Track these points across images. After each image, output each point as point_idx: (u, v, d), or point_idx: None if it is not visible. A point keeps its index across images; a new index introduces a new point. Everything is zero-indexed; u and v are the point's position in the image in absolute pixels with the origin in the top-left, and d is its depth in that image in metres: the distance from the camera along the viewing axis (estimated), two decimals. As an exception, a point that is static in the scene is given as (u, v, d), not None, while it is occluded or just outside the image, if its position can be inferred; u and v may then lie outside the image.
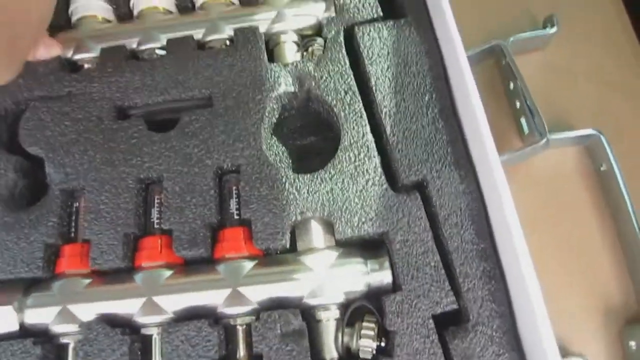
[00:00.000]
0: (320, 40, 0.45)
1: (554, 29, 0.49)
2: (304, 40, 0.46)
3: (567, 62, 0.51)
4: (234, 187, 0.41)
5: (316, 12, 0.46)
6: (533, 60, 0.51)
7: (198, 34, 0.46)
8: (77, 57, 0.46)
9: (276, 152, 0.43)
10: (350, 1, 0.45)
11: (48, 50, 0.44)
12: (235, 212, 0.40)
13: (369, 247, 0.38)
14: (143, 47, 0.46)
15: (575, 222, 0.45)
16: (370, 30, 0.43)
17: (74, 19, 0.48)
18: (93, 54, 0.46)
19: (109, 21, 0.48)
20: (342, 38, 0.44)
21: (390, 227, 0.37)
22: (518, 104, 0.48)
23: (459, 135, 0.40)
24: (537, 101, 0.45)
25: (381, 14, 0.45)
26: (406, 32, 0.43)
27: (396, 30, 0.44)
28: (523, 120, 0.48)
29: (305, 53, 0.46)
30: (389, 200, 0.38)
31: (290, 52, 0.45)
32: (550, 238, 0.44)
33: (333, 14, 0.45)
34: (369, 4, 0.45)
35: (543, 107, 0.45)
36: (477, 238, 0.36)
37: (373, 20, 0.44)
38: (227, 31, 0.46)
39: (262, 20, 0.46)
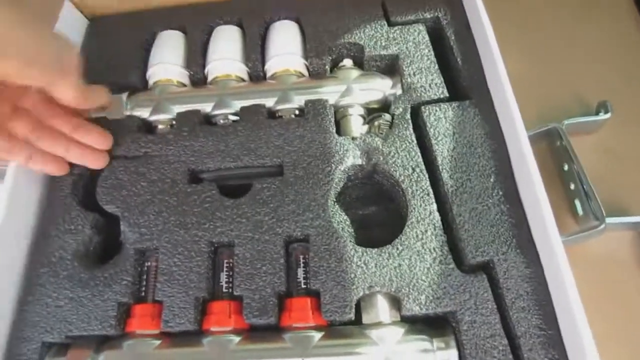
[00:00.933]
0: (386, 115, 0.47)
1: (607, 115, 0.51)
2: (371, 114, 0.48)
3: (621, 146, 0.52)
4: (301, 256, 0.42)
5: (383, 88, 0.48)
6: (586, 143, 0.52)
7: (269, 102, 0.48)
8: (153, 118, 0.48)
9: (339, 221, 0.45)
10: (418, 81, 0.47)
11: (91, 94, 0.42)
12: (303, 282, 0.41)
13: (433, 324, 0.39)
14: (216, 112, 0.48)
15: (631, 308, 0.45)
16: (436, 110, 0.45)
17: (151, 81, 0.50)
18: (168, 115, 0.48)
19: (184, 85, 0.51)
20: (409, 116, 0.46)
21: (458, 307, 0.38)
22: (572, 186, 0.49)
23: (523, 219, 0.41)
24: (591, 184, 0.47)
25: (447, 94, 0.47)
26: (471, 113, 0.45)
27: (461, 111, 0.45)
28: (577, 202, 0.49)
29: (371, 126, 0.47)
30: (456, 279, 0.39)
31: (356, 125, 0.47)
32: (606, 325, 0.44)
33: (400, 91, 0.48)
34: (436, 84, 0.47)
35: (596, 189, 0.47)
36: (544, 324, 0.37)
37: (439, 101, 0.46)
38: (297, 101, 0.48)
39: (330, 93, 0.48)
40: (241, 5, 0.54)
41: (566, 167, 0.50)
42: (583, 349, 0.33)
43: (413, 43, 0.50)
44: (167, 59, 0.50)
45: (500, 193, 0.42)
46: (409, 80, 0.48)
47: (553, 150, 0.53)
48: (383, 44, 0.50)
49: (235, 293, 0.40)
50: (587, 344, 0.33)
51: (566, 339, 0.37)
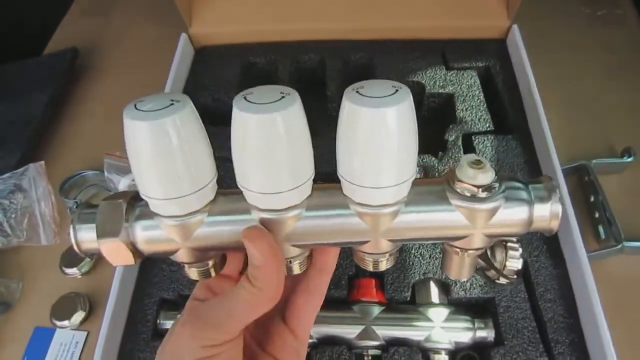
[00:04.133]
0: None
1: (630, 159, 0.60)
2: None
3: (641, 185, 0.61)
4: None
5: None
6: (610, 182, 0.61)
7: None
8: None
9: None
10: (469, 116, 0.57)
11: None
12: (369, 266, 0.50)
13: (474, 309, 0.47)
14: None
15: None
16: (484, 140, 0.55)
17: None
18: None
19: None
20: (460, 142, 0.56)
21: (496, 295, 0.46)
22: (597, 214, 0.58)
23: (553, 231, 0.50)
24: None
25: (493, 128, 0.57)
26: (513, 145, 0.55)
27: (505, 143, 0.55)
28: (601, 228, 0.57)
29: None
30: (495, 273, 0.47)
31: None
32: (622, 329, 0.51)
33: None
34: (484, 119, 0.57)
35: (618, 219, 0.55)
36: (567, 313, 0.45)
37: (486, 132, 0.56)
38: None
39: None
40: (323, 44, 0.66)
41: (592, 199, 0.59)
42: (599, 334, 0.42)
43: (466, 85, 0.60)
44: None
45: (535, 209, 0.51)
46: (461, 114, 0.58)
47: (582, 185, 0.61)
48: (441, 84, 0.60)
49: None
50: (602, 330, 0.42)
51: (584, 326, 0.45)
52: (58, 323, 0.53)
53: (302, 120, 0.26)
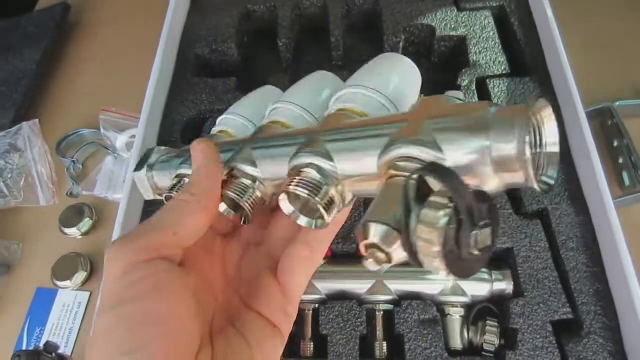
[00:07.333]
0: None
1: (657, 101, 0.56)
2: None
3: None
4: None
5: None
6: (636, 124, 0.57)
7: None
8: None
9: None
10: (483, 59, 0.54)
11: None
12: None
13: (491, 259, 0.45)
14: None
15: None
16: (500, 83, 0.52)
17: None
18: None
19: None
20: (474, 87, 0.52)
21: (515, 245, 0.44)
22: (621, 160, 0.54)
23: (575, 177, 0.47)
24: (637, 159, 0.52)
25: (509, 70, 0.53)
26: (531, 87, 0.52)
27: (522, 86, 0.52)
28: (625, 174, 0.54)
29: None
30: (514, 222, 0.45)
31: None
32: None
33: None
34: (499, 62, 0.53)
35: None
36: (591, 262, 0.43)
37: (502, 76, 0.53)
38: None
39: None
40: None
41: (616, 144, 0.55)
42: (627, 281, 0.39)
43: (480, 26, 0.56)
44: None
45: (555, 154, 0.48)
46: (474, 58, 0.54)
47: (604, 129, 0.58)
48: (452, 26, 0.56)
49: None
50: (630, 277, 0.39)
51: (610, 275, 0.42)
52: (60, 284, 0.52)
53: None
